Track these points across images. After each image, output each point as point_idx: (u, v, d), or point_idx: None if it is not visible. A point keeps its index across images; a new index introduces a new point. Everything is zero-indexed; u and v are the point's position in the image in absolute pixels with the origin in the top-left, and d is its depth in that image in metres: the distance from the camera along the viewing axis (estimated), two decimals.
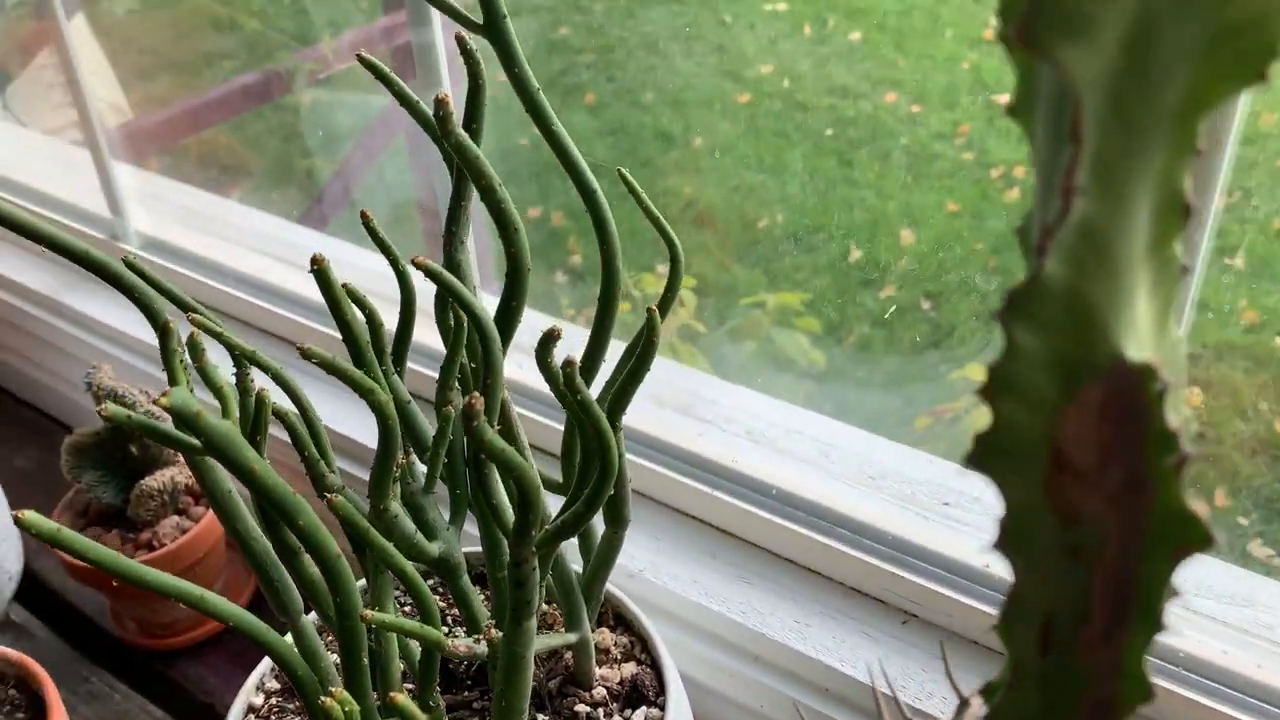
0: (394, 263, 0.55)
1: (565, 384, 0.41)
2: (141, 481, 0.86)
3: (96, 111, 1.14)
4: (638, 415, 0.84)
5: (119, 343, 1.10)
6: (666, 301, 0.53)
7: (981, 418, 0.24)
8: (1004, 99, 0.24)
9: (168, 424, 0.46)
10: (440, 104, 0.42)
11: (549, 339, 0.46)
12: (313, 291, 1.02)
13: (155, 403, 0.38)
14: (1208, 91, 0.20)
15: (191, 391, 0.48)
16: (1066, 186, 0.21)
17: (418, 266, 0.44)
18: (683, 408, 0.87)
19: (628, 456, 0.80)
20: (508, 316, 0.49)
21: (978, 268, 2.68)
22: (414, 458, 0.58)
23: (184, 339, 0.50)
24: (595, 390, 0.53)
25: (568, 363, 0.41)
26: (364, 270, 0.99)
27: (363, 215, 0.57)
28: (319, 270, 0.47)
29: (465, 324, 0.53)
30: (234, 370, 0.53)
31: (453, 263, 0.54)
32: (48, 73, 1.78)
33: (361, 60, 0.54)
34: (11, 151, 1.42)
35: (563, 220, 3.06)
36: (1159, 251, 0.22)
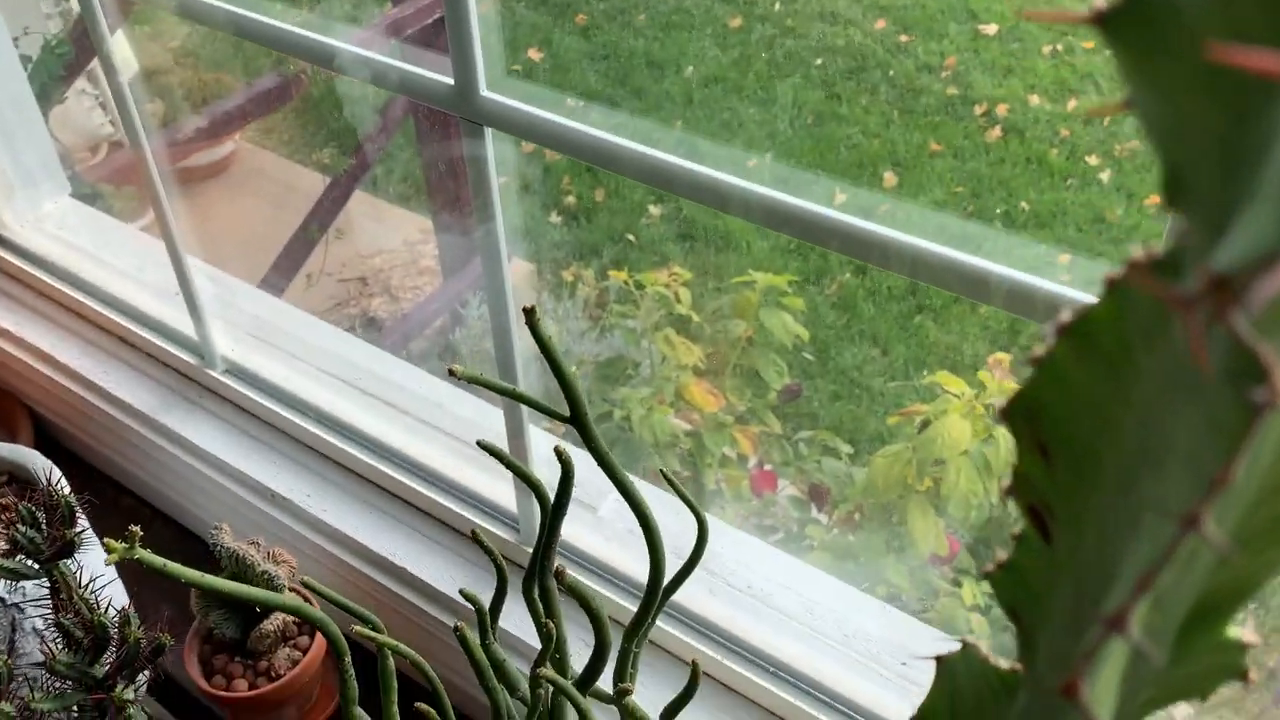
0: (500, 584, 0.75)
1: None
2: (261, 624, 1.07)
3: (182, 241, 1.30)
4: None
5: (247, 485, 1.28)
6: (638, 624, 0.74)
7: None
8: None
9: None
10: (556, 573, 0.61)
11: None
12: (384, 433, 1.21)
13: None
14: None
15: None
16: None
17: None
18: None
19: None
20: (590, 671, 0.70)
21: None
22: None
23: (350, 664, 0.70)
24: None
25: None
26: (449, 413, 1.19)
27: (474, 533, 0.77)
28: (464, 637, 0.68)
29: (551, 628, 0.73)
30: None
31: (543, 587, 0.74)
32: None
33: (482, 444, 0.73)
34: (92, 240, 1.58)
35: None
36: None
